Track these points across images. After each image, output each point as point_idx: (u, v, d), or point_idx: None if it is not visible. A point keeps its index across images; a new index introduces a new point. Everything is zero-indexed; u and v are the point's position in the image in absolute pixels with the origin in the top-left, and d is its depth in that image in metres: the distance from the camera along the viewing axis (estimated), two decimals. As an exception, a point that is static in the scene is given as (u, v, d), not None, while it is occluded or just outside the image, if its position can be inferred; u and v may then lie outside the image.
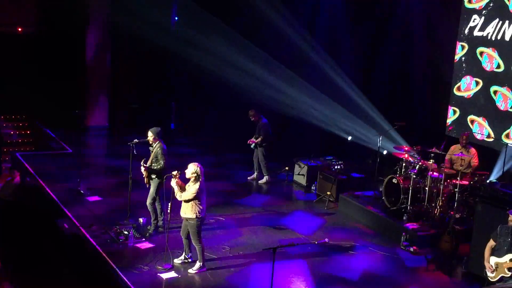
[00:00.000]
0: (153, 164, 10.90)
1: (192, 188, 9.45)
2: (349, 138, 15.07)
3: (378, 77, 15.27)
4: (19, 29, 17.88)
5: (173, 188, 9.66)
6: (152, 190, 10.99)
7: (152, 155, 10.96)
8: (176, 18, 18.75)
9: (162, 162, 10.82)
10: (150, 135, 11.02)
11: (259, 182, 14.71)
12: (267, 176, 14.67)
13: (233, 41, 16.96)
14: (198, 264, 9.89)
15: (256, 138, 14.34)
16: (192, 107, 18.04)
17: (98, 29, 18.13)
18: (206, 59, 16.92)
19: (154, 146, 11.00)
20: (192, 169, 9.47)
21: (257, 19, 16.72)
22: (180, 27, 18.58)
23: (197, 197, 9.48)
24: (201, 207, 9.60)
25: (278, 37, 16.81)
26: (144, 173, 10.89)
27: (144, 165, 10.88)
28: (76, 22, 18.07)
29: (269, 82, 16.60)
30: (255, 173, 14.75)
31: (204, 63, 16.88)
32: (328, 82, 16.06)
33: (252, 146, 14.44)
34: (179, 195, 9.56)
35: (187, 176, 9.51)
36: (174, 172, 9.69)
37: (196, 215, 9.56)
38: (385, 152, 13.52)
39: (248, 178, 14.77)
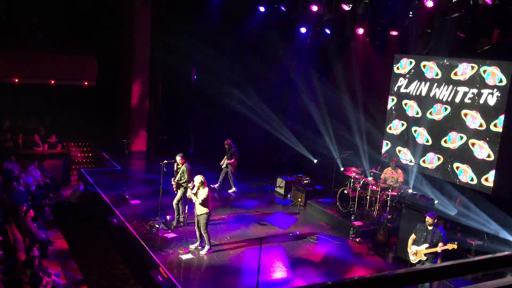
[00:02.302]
0: (181, 179, 10.89)
1: (202, 192, 9.48)
2: (315, 161, 15.05)
3: (336, 121, 15.21)
4: (85, 83, 17.92)
5: (190, 197, 9.68)
6: (179, 195, 10.98)
7: (180, 172, 10.95)
8: (195, 76, 18.84)
9: (186, 176, 10.80)
10: (179, 159, 11.03)
11: (229, 191, 14.02)
12: (234, 187, 14.11)
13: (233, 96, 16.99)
14: (206, 247, 9.84)
15: (228, 160, 13.83)
16: (204, 138, 18.04)
17: (140, 84, 18.18)
18: (214, 106, 16.98)
19: (181, 166, 10.98)
20: (199, 179, 9.55)
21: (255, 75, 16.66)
22: (197, 83, 18.69)
23: (207, 198, 9.51)
24: (209, 205, 9.63)
25: (271, 88, 16.73)
26: (174, 185, 10.91)
27: (174, 180, 10.90)
28: (125, 78, 18.14)
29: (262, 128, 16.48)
30: (218, 184, 14.10)
31: (213, 108, 16.94)
32: (304, 125, 15.96)
33: (223, 166, 13.96)
34: (195, 200, 9.57)
35: (196, 184, 9.55)
36: (190, 185, 9.77)
37: (206, 211, 9.57)
38: (342, 169, 13.50)
39: (215, 186, 14.03)
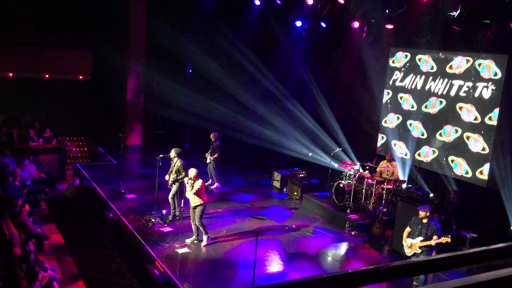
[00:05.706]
0: (176, 174, 10.87)
1: (197, 184, 9.53)
2: (310, 154, 15.03)
3: (331, 114, 15.19)
4: (80, 77, 17.83)
5: (185, 190, 9.69)
6: (174, 189, 10.97)
7: (174, 167, 10.93)
8: (190, 70, 18.77)
9: (183, 173, 10.79)
10: (173, 153, 11.01)
11: (211, 187, 13.73)
12: (217, 183, 13.90)
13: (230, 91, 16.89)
14: (205, 238, 9.90)
15: (211, 155, 13.58)
16: (200, 133, 18.01)
17: (135, 77, 18.12)
18: (209, 100, 16.93)
19: (175, 161, 10.98)
20: (193, 172, 9.60)
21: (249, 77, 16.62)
22: (192, 77, 18.62)
23: (201, 189, 9.54)
24: (203, 197, 9.66)
25: (261, 89, 16.71)
26: (170, 181, 10.89)
27: (170, 178, 10.88)
28: (120, 72, 18.06)
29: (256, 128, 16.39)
30: (210, 181, 13.91)
31: (208, 102, 16.89)
32: (297, 120, 15.90)
33: (207, 161, 13.71)
34: (191, 190, 9.58)
35: (191, 176, 9.57)
36: (186, 179, 9.77)
37: (201, 203, 9.61)
38: (336, 165, 13.52)
39: (213, 187, 13.86)
